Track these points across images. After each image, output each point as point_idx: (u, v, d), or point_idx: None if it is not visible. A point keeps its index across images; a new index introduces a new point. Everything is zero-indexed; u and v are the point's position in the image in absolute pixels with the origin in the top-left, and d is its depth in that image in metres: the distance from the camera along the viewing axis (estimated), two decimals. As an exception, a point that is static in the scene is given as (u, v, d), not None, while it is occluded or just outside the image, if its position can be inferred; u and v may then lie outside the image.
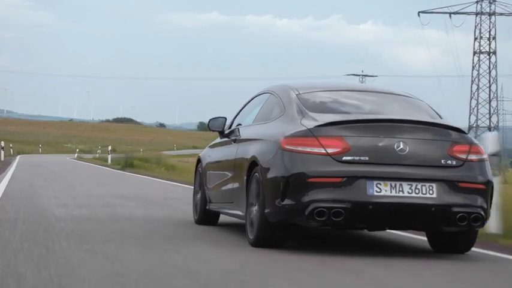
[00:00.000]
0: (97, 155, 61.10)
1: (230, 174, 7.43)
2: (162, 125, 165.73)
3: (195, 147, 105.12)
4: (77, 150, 62.72)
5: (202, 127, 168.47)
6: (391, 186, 6.08)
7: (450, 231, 6.43)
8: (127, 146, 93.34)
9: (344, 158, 6.09)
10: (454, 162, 6.25)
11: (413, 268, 5.81)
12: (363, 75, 73.32)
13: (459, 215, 6.09)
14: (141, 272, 4.93)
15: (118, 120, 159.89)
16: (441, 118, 6.82)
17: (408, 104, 7.15)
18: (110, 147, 39.95)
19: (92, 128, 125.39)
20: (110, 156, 38.44)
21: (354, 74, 74.77)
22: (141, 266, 5.17)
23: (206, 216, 8.38)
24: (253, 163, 6.61)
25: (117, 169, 30.30)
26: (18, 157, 46.56)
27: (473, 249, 6.76)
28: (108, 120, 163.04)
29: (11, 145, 57.40)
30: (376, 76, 76.70)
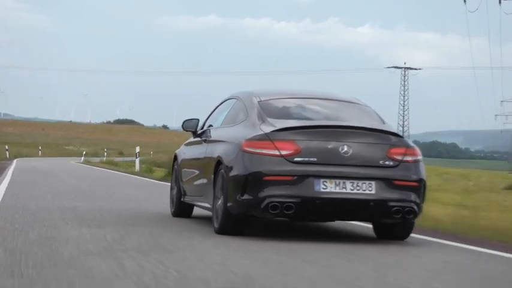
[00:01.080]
0: (104, 159, 54.48)
1: (201, 171, 8.39)
2: (165, 127, 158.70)
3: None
4: (84, 153, 55.71)
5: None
6: (335, 183, 7.08)
7: (388, 222, 7.51)
8: (133, 148, 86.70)
9: (295, 159, 7.09)
10: (391, 163, 7.23)
11: (356, 253, 6.69)
12: (405, 68, 66.69)
13: (394, 208, 7.10)
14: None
15: (119, 122, 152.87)
16: (384, 123, 7.86)
17: (357, 110, 8.11)
18: (138, 149, 31.64)
19: (93, 130, 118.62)
20: (137, 161, 30.69)
21: (395, 67, 68.17)
22: None
23: (181, 209, 9.30)
24: (219, 162, 7.57)
25: (160, 180, 21.01)
26: (15, 161, 39.89)
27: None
28: (109, 122, 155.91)
29: (6, 147, 50.73)
30: (421, 69, 70.10)
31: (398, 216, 7.19)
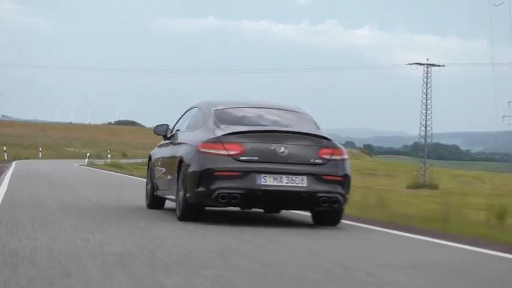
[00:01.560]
0: (108, 161, 51.05)
1: (168, 168, 9.73)
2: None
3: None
4: (88, 154, 51.98)
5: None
6: (274, 178, 8.45)
7: (319, 210, 8.90)
8: (137, 150, 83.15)
9: (241, 158, 8.47)
10: (321, 161, 8.62)
11: (288, 239, 7.82)
12: (428, 65, 63.03)
13: (322, 198, 8.53)
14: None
15: (120, 123, 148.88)
16: (318, 129, 9.20)
17: (296, 117, 9.54)
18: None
19: (94, 130, 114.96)
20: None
21: (418, 63, 64.51)
22: None
23: (155, 201, 10.66)
24: (181, 160, 8.95)
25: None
26: (14, 164, 36.35)
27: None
28: (110, 123, 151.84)
29: (4, 149, 47.09)
30: (444, 66, 66.40)
31: (326, 205, 8.58)
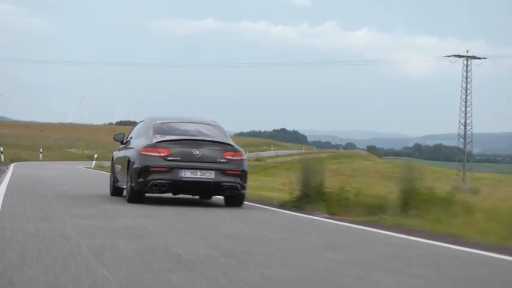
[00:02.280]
0: None
1: (122, 166, 12.94)
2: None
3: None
4: (95, 156, 46.71)
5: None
6: (191, 172, 11.81)
7: (226, 195, 12.34)
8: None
9: (168, 158, 11.85)
10: (224, 160, 11.97)
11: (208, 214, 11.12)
12: (468, 57, 57.78)
13: (225, 187, 11.91)
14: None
15: (121, 123, 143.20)
16: (226, 137, 12.73)
17: (212, 129, 12.93)
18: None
19: (96, 131, 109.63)
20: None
21: (457, 56, 59.29)
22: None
23: (116, 190, 13.87)
24: (129, 160, 12.28)
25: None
26: (12, 167, 31.35)
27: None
28: (110, 123, 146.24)
29: (1, 149, 42.02)
30: (485, 58, 61.14)
31: (228, 191, 12.09)
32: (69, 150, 70.93)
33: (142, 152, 11.98)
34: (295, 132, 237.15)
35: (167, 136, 12.28)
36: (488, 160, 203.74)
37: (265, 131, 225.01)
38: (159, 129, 12.61)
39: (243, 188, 12.23)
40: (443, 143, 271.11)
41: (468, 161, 62.96)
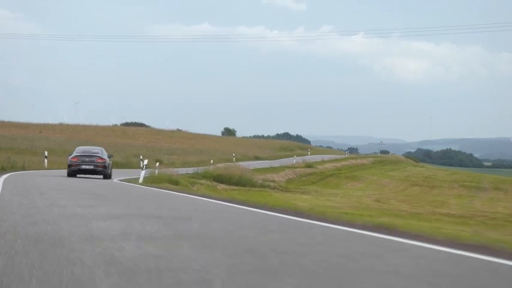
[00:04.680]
0: (156, 171, 31.65)
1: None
2: (180, 130, 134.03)
3: (257, 157, 74.51)
4: (145, 163, 30.96)
5: (228, 132, 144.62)
6: (85, 165, 30.62)
7: (101, 174, 30.89)
8: (169, 155, 62.94)
9: (78, 161, 30.33)
10: (99, 162, 30.64)
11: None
12: None
13: (97, 171, 30.68)
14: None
15: (128, 125, 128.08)
16: (104, 153, 31.50)
17: (100, 150, 31.93)
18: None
19: (104, 132, 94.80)
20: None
21: None
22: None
23: (70, 173, 30.20)
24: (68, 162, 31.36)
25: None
26: (1, 182, 16.30)
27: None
28: (115, 125, 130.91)
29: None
30: None
31: (101, 174, 30.74)
32: (77, 154, 55.65)
33: (70, 159, 30.57)
34: (298, 137, 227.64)
35: (77, 153, 30.85)
36: (494, 165, 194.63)
37: (268, 136, 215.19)
38: (77, 150, 31.47)
39: (105, 171, 30.31)
40: (436, 148, 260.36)
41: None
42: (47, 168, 37.92)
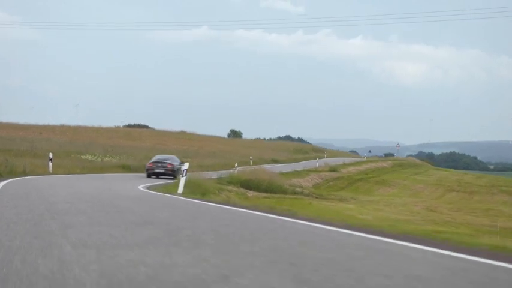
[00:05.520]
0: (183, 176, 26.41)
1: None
2: (184, 132, 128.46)
3: (275, 161, 69.19)
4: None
5: (234, 135, 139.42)
6: (159, 169, 39.01)
7: (173, 177, 38.49)
8: (184, 158, 57.40)
9: (153, 166, 39.35)
10: (170, 167, 38.89)
11: None
12: None
13: (167, 173, 38.72)
14: None
15: (131, 126, 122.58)
16: (177, 160, 40.34)
17: (169, 157, 41.47)
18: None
19: (107, 134, 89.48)
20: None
21: None
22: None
23: (148, 175, 38.36)
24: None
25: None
26: None
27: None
28: (118, 127, 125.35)
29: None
30: None
31: (172, 175, 37.68)
32: (83, 157, 50.49)
33: (148, 165, 38.76)
34: (300, 140, 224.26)
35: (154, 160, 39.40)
36: (496, 169, 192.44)
37: (270, 139, 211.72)
38: (153, 158, 40.45)
39: (173, 174, 36.64)
40: (438, 151, 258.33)
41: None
42: (52, 173, 32.54)
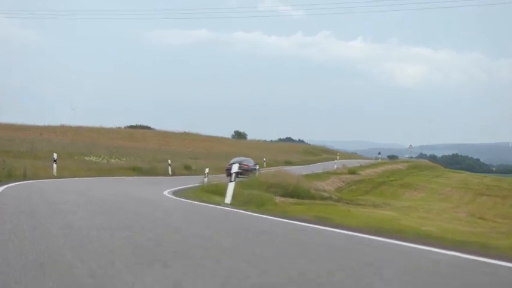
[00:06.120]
0: (205, 180, 22.95)
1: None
2: (187, 133, 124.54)
3: (288, 163, 65.42)
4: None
5: (239, 136, 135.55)
6: (241, 168, 29.08)
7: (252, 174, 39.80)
8: (194, 159, 53.90)
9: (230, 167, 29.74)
10: (249, 167, 40.99)
11: None
12: None
13: (247, 171, 38.57)
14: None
15: (133, 127, 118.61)
16: (252, 160, 45.01)
17: (245, 159, 44.20)
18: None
19: (109, 134, 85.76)
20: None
21: None
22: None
23: (228, 174, 30.77)
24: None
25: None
26: None
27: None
28: (119, 127, 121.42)
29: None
30: None
31: (252, 173, 38.49)
32: (87, 158, 46.67)
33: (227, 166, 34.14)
34: (301, 141, 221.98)
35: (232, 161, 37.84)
36: (497, 171, 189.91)
37: (271, 140, 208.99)
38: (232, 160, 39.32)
39: (249, 173, 36.21)
40: (439, 153, 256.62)
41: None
42: (57, 176, 28.67)
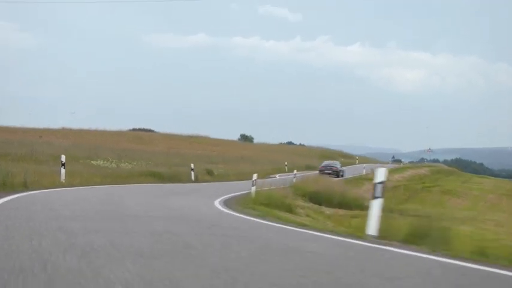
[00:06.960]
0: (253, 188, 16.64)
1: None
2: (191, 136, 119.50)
3: (310, 167, 60.36)
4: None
5: (245, 139, 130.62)
6: (327, 170, 53.78)
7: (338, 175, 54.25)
8: (212, 164, 48.79)
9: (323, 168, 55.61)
10: (335, 169, 55.05)
11: None
12: None
13: (335, 172, 53.64)
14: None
15: (136, 130, 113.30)
16: (335, 164, 56.93)
17: (332, 162, 58.76)
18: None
19: (113, 137, 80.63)
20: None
21: None
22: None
23: (320, 174, 50.52)
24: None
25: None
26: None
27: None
28: (121, 131, 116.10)
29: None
30: None
31: (336, 174, 52.00)
32: (93, 162, 41.40)
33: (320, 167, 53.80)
34: (302, 146, 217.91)
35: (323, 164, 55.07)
36: (499, 175, 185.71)
37: (272, 144, 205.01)
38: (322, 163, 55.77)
39: (338, 174, 51.38)
40: (442, 158, 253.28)
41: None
42: (65, 184, 23.24)
